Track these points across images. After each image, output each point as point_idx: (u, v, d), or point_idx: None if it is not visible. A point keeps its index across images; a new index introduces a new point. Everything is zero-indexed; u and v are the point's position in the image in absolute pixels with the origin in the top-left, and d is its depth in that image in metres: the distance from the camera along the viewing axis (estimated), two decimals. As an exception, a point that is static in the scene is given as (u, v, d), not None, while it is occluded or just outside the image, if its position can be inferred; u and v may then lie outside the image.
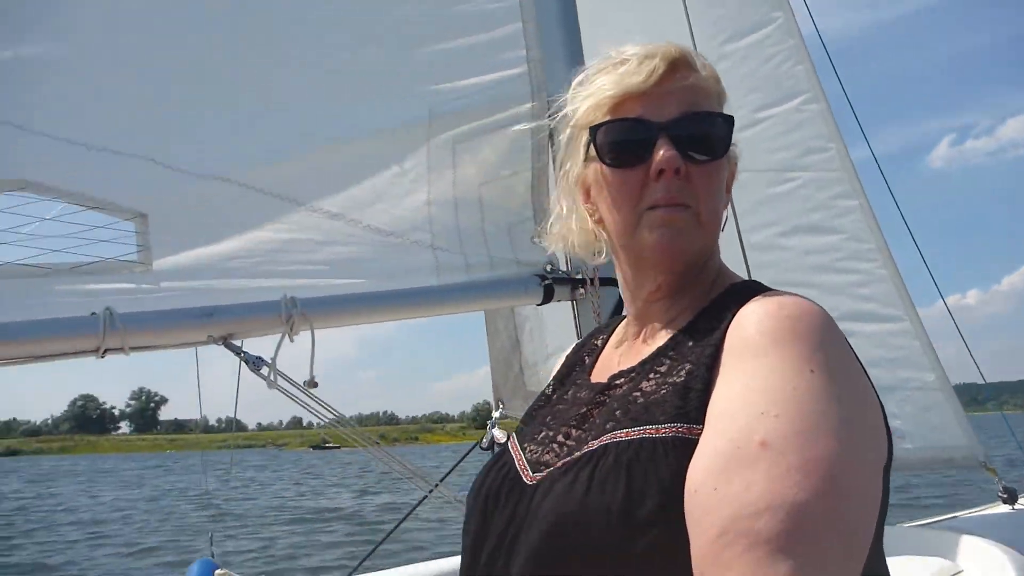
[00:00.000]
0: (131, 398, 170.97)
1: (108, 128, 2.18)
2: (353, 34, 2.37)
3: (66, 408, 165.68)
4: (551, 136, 2.41)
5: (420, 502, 2.66)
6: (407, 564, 2.69)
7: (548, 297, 2.31)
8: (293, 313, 1.97)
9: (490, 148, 2.41)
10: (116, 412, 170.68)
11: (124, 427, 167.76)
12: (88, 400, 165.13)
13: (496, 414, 3.17)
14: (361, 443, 2.09)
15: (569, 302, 2.39)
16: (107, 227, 2.21)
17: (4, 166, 2.12)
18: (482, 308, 2.98)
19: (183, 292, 2.10)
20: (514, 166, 2.42)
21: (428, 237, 2.33)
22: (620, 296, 2.38)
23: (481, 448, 2.99)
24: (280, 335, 1.98)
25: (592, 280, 2.31)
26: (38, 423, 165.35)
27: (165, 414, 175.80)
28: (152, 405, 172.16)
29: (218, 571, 2.30)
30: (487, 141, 2.41)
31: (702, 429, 0.82)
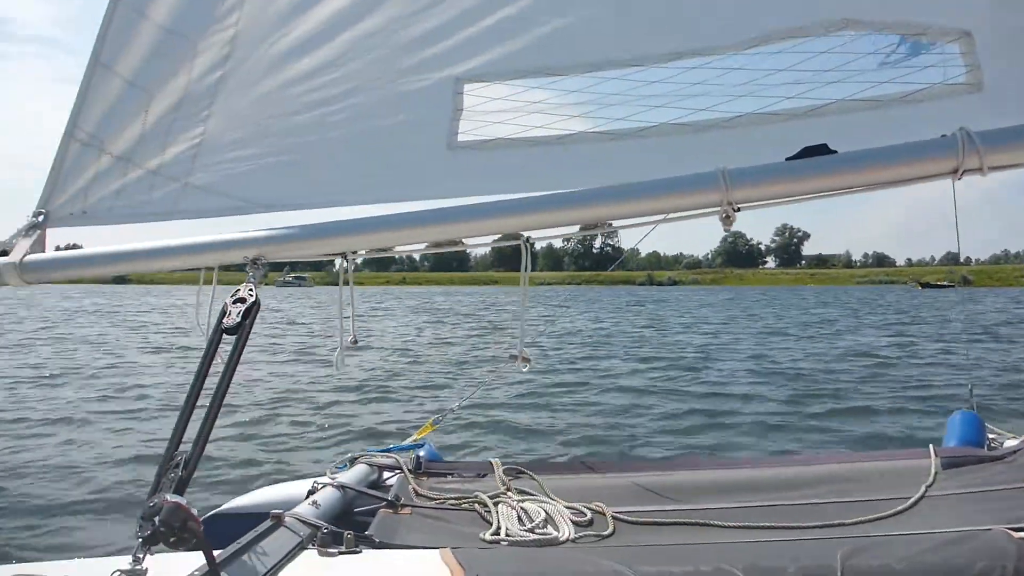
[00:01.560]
0: (775, 235, 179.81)
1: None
2: None
3: (718, 244, 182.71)
4: None
5: None
6: None
7: None
8: None
9: None
10: (763, 248, 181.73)
11: (770, 262, 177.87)
12: (738, 237, 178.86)
13: None
14: None
15: None
16: (929, 53, 2.23)
17: (829, 9, 2.28)
18: None
19: (1025, 108, 2.02)
20: None
21: None
22: None
23: None
24: None
25: None
26: (699, 257, 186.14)
27: (808, 249, 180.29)
28: (795, 241, 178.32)
29: None
30: None
31: None
